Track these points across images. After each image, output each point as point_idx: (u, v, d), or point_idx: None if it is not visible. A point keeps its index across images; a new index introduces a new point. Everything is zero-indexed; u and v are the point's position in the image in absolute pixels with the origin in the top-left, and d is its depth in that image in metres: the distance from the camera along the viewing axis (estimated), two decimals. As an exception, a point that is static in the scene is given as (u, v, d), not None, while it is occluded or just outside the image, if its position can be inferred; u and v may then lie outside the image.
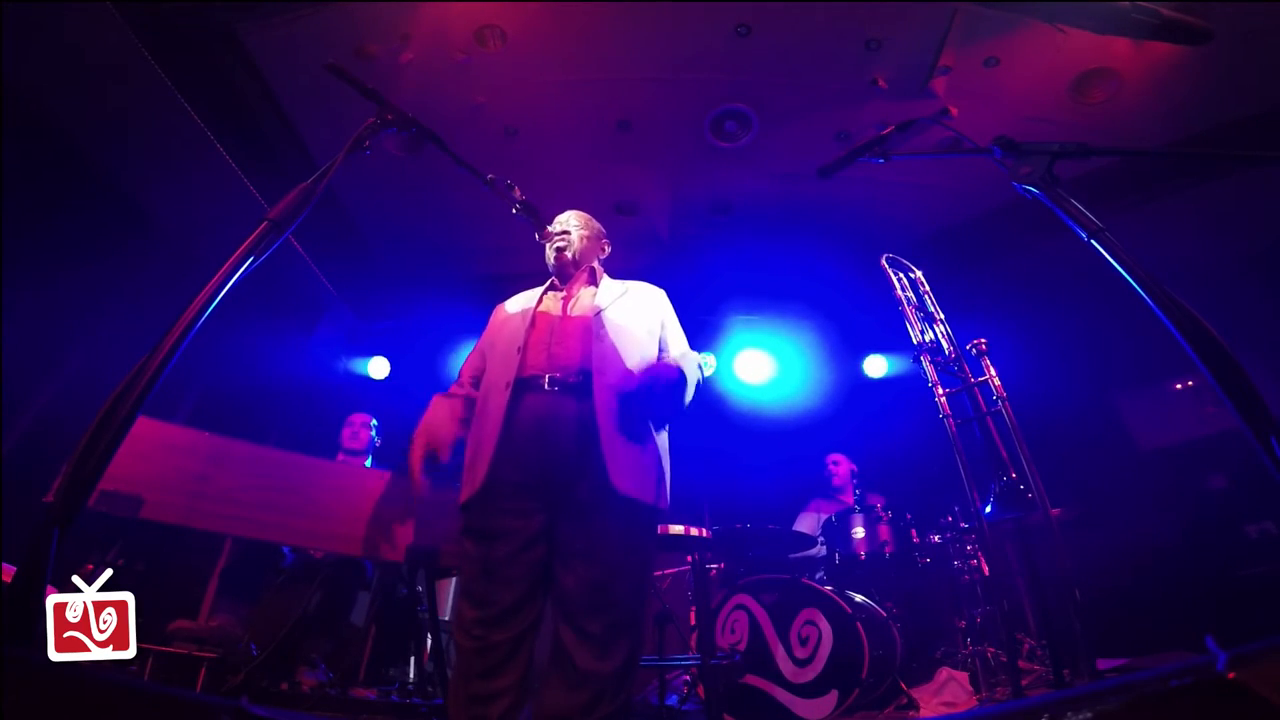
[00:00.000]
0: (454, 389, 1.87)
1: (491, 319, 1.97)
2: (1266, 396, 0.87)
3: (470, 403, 1.81)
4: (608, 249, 2.09)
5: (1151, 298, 1.00)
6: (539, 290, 1.93)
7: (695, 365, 1.82)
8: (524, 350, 1.69)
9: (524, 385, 1.64)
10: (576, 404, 1.61)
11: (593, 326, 1.74)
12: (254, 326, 4.27)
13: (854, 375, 5.52)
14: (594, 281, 1.94)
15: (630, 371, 1.68)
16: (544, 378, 1.64)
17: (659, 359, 1.79)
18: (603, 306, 1.80)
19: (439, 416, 1.77)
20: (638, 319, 1.83)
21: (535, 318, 1.79)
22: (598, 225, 2.08)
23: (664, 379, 1.63)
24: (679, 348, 1.89)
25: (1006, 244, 4.56)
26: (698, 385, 1.80)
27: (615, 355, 1.69)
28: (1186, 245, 4.24)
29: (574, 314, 1.80)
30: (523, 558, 1.52)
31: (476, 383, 1.84)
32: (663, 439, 1.74)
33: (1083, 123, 3.63)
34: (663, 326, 1.89)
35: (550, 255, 1.95)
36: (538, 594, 1.53)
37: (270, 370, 4.65)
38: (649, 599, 1.75)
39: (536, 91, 3.59)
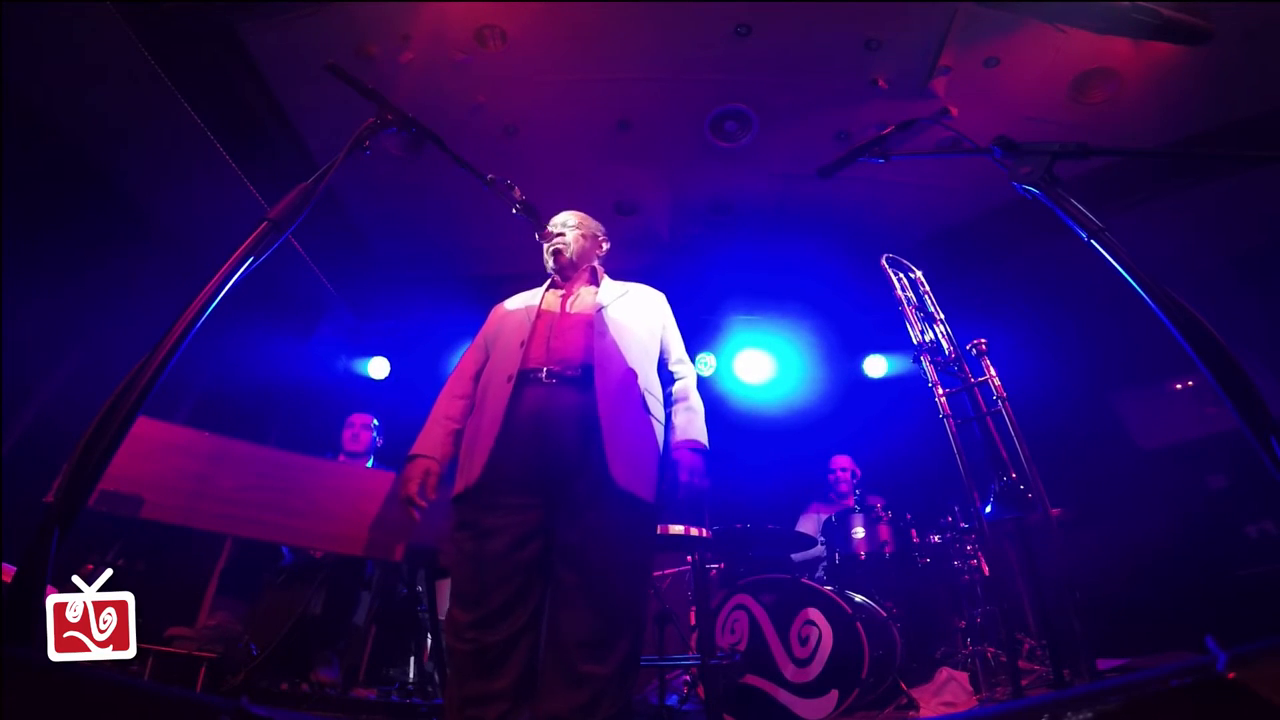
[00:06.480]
0: (455, 386, 1.84)
1: (491, 316, 1.98)
2: (1266, 396, 0.87)
3: (472, 401, 1.81)
4: (606, 247, 2.09)
5: (1151, 298, 1.00)
6: (540, 289, 1.94)
7: (699, 406, 1.84)
8: (527, 344, 1.71)
9: (525, 378, 1.65)
10: (576, 398, 1.61)
11: (594, 323, 1.75)
12: (254, 327, 4.26)
13: (854, 375, 5.52)
14: (594, 280, 1.97)
15: (631, 369, 1.69)
16: (542, 371, 1.64)
17: (669, 428, 1.78)
18: (604, 304, 1.82)
19: (431, 441, 1.73)
20: (639, 318, 1.85)
21: (539, 314, 1.80)
22: (595, 224, 2.08)
23: (696, 472, 1.69)
24: (678, 352, 1.93)
25: (1006, 244, 4.56)
26: (699, 384, 1.81)
27: (617, 351, 1.70)
28: (1186, 245, 4.23)
29: (574, 310, 1.82)
30: (516, 556, 1.50)
31: (478, 378, 1.84)
32: (660, 435, 1.74)
33: (1083, 123, 3.63)
34: (664, 329, 1.92)
35: (548, 256, 1.97)
36: (530, 595, 1.51)
37: (270, 370, 4.64)
38: (648, 598, 1.75)
39: (536, 91, 3.59)
